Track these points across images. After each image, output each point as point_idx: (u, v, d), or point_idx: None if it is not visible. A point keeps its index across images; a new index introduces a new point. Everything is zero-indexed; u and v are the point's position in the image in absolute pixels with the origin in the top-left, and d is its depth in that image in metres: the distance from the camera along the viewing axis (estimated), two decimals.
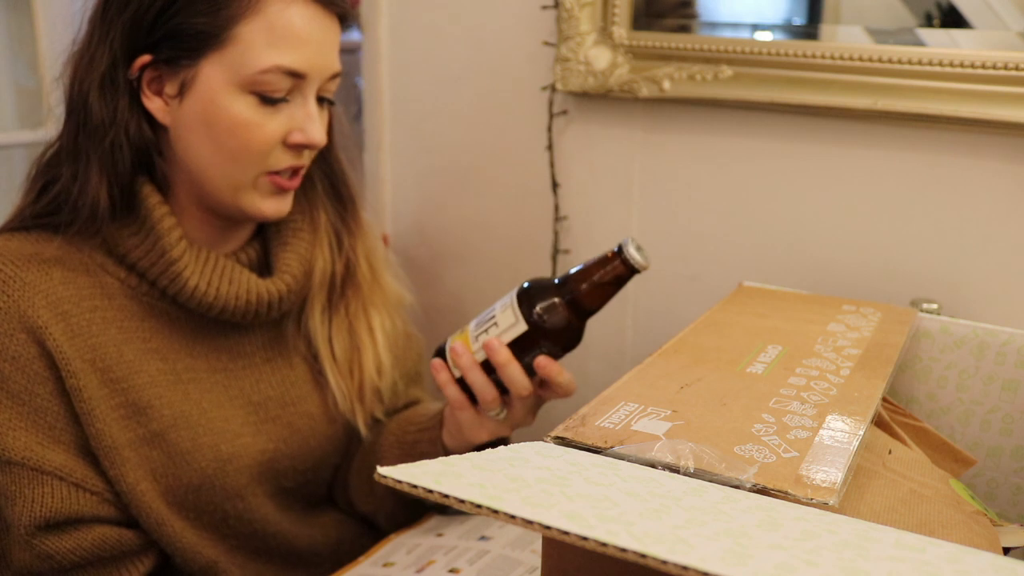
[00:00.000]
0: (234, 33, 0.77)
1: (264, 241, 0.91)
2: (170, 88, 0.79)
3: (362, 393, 0.95)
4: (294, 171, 0.84)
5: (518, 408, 0.84)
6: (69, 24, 0.82)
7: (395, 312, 1.01)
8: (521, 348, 0.80)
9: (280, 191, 0.84)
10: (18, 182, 0.84)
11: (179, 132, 0.81)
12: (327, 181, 0.94)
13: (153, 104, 0.80)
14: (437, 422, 0.92)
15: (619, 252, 0.78)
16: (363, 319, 0.96)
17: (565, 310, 0.79)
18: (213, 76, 0.78)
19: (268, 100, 0.79)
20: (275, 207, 0.84)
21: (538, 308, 0.79)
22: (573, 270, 0.81)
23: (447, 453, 0.91)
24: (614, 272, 0.79)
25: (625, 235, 1.11)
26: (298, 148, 0.82)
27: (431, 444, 0.92)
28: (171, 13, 0.77)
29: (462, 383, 0.84)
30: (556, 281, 0.81)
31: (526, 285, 0.81)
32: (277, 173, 0.83)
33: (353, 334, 0.95)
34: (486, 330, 0.82)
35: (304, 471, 0.91)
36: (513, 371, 0.80)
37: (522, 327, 0.80)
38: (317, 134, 0.82)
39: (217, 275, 0.83)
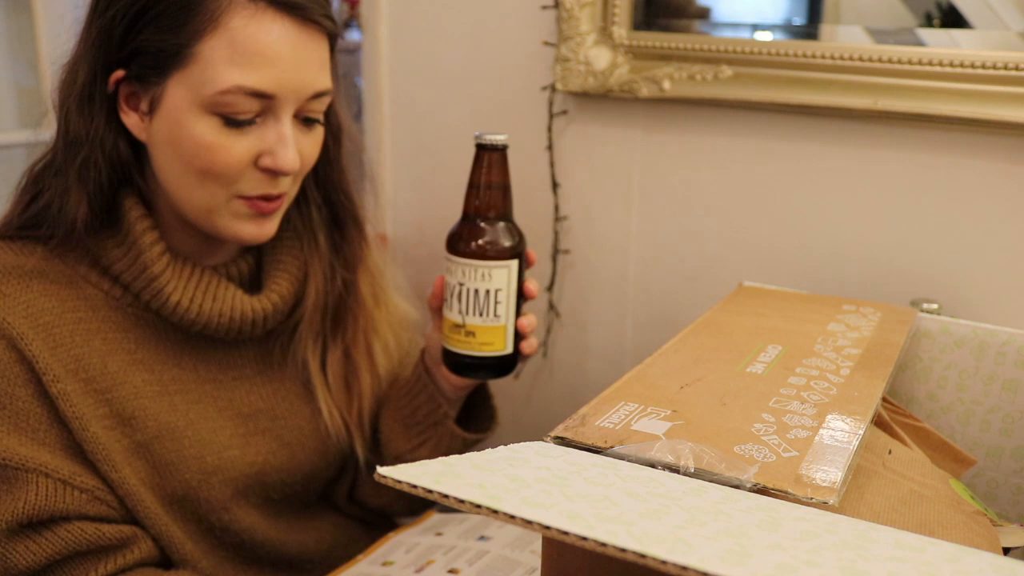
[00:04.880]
0: (196, 50, 0.73)
1: (259, 254, 0.89)
2: (143, 105, 0.77)
3: (360, 419, 0.94)
4: (270, 197, 0.80)
5: None
6: (69, 25, 0.81)
7: (400, 330, 0.99)
8: (519, 279, 0.85)
9: (258, 214, 0.80)
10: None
11: (153, 150, 0.78)
12: (326, 208, 0.91)
13: (130, 120, 0.77)
14: (424, 382, 0.93)
15: (479, 147, 0.82)
16: (363, 346, 0.94)
17: (495, 224, 0.83)
18: (177, 95, 0.74)
19: (232, 122, 0.75)
20: (254, 231, 0.81)
21: (492, 246, 0.82)
22: (464, 202, 0.84)
23: (446, 400, 0.92)
24: (484, 162, 0.82)
25: (625, 234, 1.12)
26: (271, 173, 0.78)
27: (430, 401, 0.92)
28: (137, 29, 0.74)
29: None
30: (463, 220, 0.84)
31: (473, 245, 0.82)
32: (251, 198, 0.79)
33: (350, 361, 0.93)
34: (497, 302, 0.83)
35: (292, 483, 0.90)
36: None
37: (514, 267, 0.83)
38: (288, 159, 0.77)
39: (200, 291, 0.81)
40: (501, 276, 0.82)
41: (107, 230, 0.80)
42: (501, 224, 0.83)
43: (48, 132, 0.83)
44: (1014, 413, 0.81)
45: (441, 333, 0.87)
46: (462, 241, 0.83)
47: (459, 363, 0.85)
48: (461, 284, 0.82)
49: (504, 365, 0.86)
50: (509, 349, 0.85)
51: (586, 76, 1.06)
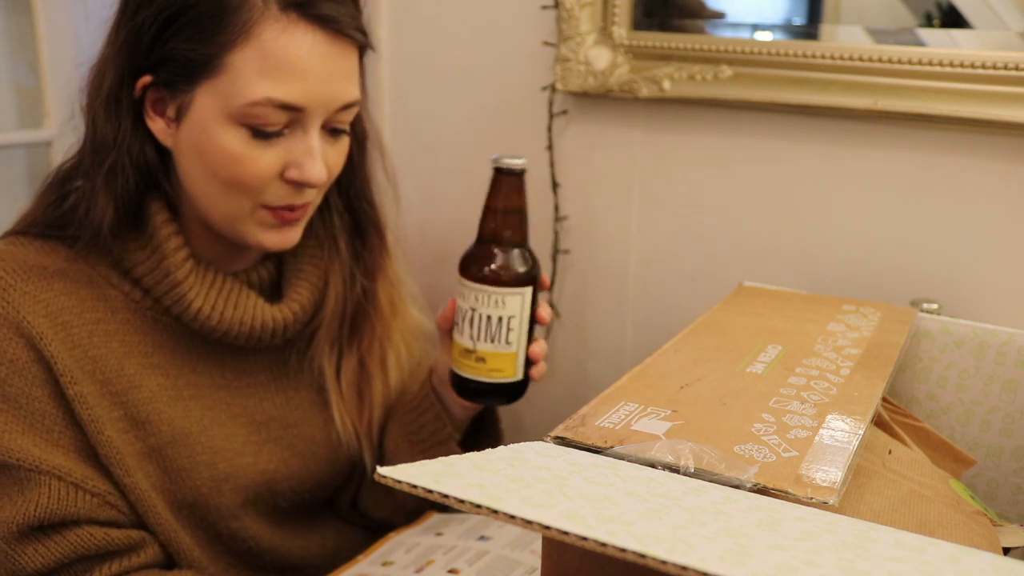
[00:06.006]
0: (226, 61, 0.72)
1: (279, 261, 0.88)
2: (170, 111, 0.76)
3: (370, 429, 0.94)
4: (295, 207, 0.80)
5: None
6: (70, 25, 0.80)
7: (412, 341, 0.99)
8: (532, 306, 0.83)
9: (282, 223, 0.80)
10: (18, 182, 0.84)
11: (179, 157, 0.78)
12: (348, 215, 0.90)
13: (156, 125, 0.77)
14: (431, 401, 0.91)
15: (496, 171, 0.80)
16: (377, 355, 0.94)
17: (510, 250, 0.81)
18: (206, 105, 0.74)
19: (260, 134, 0.74)
20: (278, 240, 0.81)
21: (506, 273, 0.80)
22: (480, 225, 0.82)
23: (452, 421, 0.92)
24: (502, 187, 0.80)
25: (625, 234, 1.12)
26: (297, 185, 0.78)
27: (436, 420, 0.91)
28: (166, 37, 0.73)
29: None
30: (478, 244, 0.82)
31: (487, 271, 0.80)
32: (276, 208, 0.79)
33: (364, 370, 0.93)
34: (509, 329, 0.81)
35: (302, 492, 0.90)
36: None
37: (528, 294, 0.81)
38: (316, 173, 0.76)
39: (223, 298, 0.81)
40: (514, 303, 0.81)
41: (131, 232, 0.79)
42: (516, 251, 0.81)
43: (47, 132, 0.83)
44: (1014, 413, 0.81)
45: (450, 355, 0.86)
46: (476, 266, 0.81)
47: (467, 388, 0.84)
48: (473, 309, 0.80)
49: (513, 391, 0.84)
50: (519, 376, 0.83)
51: (586, 76, 1.06)
